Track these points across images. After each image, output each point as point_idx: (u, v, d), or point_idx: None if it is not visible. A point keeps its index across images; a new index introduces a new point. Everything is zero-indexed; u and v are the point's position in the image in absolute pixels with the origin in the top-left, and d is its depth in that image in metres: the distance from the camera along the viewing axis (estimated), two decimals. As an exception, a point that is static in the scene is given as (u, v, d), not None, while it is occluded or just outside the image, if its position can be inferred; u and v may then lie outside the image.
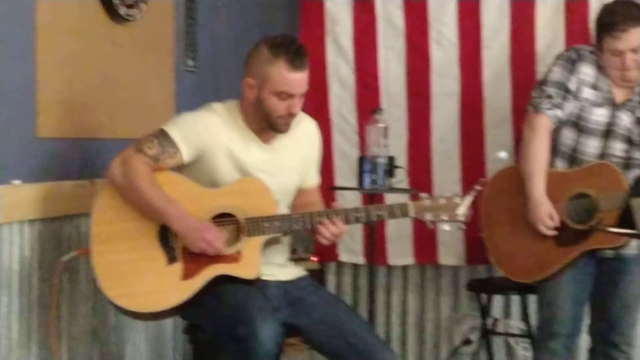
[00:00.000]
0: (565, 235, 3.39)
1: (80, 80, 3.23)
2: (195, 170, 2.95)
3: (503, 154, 3.64)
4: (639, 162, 3.45)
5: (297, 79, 2.91)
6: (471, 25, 4.25)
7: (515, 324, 4.31)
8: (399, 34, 4.36)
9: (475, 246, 4.23)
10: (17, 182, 2.94)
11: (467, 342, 4.37)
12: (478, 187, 2.91)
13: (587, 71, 3.46)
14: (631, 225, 2.74)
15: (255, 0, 4.49)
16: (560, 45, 4.08)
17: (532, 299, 4.17)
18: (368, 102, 4.29)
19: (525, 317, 4.07)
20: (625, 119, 3.45)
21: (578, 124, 3.47)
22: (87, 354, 3.31)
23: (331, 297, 3.18)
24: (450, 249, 4.33)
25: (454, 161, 4.29)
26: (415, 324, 4.56)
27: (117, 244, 2.87)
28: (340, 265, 4.62)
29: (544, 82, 3.51)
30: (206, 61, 4.06)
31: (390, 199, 3.98)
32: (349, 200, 4.24)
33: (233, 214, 2.90)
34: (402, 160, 4.19)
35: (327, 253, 4.40)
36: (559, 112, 3.46)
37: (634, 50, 3.36)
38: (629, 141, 3.45)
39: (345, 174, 4.38)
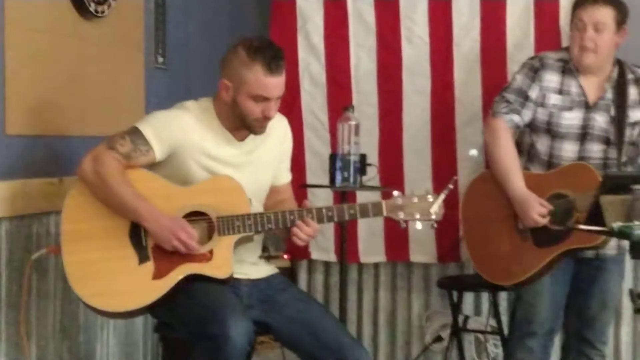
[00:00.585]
0: (544, 236, 3.40)
1: (49, 77, 3.19)
2: (167, 168, 2.93)
3: (474, 152, 3.66)
4: (617, 162, 3.46)
5: (274, 83, 2.90)
6: (442, 23, 4.25)
7: (486, 321, 4.32)
8: (370, 32, 4.35)
9: (447, 244, 4.26)
10: (-15, 180, 2.90)
11: (438, 339, 4.38)
12: (451, 186, 2.92)
13: (551, 78, 3.49)
14: (602, 223, 2.75)
15: (225, -4, 4.48)
16: (530, 44, 4.10)
17: (503, 296, 4.21)
18: (339, 100, 4.27)
19: (496, 314, 4.08)
20: (600, 120, 3.48)
21: (550, 130, 3.49)
22: (57, 352, 3.28)
23: (303, 294, 3.18)
24: (422, 247, 4.33)
25: (426, 159, 4.30)
26: (386, 321, 4.56)
27: (88, 243, 2.85)
28: (311, 263, 4.62)
29: (505, 89, 3.55)
30: (176, 58, 4.04)
31: (362, 196, 3.98)
32: (321, 198, 4.23)
33: (205, 212, 2.89)
34: (373, 157, 4.18)
35: (299, 251, 4.38)
36: (515, 117, 3.49)
37: (595, 29, 3.39)
38: (607, 141, 3.48)
39: (316, 171, 4.37)
